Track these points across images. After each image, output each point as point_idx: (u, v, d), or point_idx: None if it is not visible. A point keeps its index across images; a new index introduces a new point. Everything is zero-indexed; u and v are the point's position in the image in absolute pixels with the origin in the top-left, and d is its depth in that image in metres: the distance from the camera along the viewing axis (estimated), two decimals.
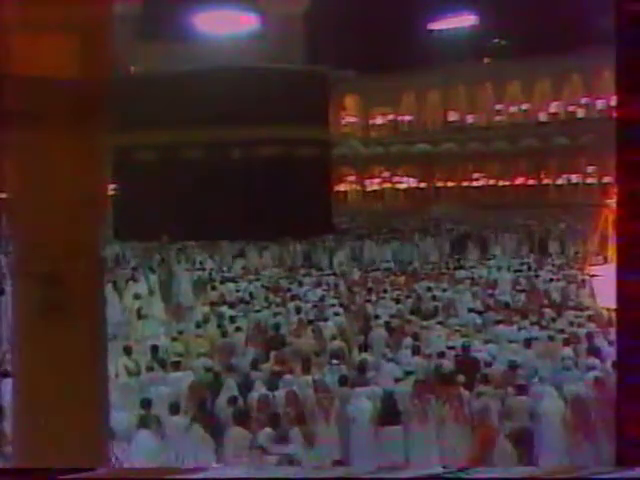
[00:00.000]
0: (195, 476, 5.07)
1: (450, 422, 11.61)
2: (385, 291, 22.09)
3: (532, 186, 64.39)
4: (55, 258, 4.57)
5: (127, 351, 14.60)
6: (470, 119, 68.62)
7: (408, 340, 15.62)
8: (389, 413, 11.68)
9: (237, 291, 22.82)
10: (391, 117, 71.43)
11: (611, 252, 16.25)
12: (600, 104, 59.98)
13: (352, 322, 18.02)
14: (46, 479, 4.64)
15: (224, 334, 16.73)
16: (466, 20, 67.28)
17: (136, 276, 25.10)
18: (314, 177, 43.32)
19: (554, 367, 13.64)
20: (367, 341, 16.12)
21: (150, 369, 13.88)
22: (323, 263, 32.35)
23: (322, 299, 20.82)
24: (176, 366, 13.91)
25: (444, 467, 5.94)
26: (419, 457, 11.33)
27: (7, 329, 4.98)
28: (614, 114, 5.27)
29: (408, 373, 13.04)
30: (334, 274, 26.68)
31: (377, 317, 18.11)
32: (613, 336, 12.12)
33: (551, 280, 23.67)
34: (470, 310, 19.09)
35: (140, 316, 19.47)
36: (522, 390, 12.10)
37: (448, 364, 13.74)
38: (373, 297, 21.12)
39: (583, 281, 21.50)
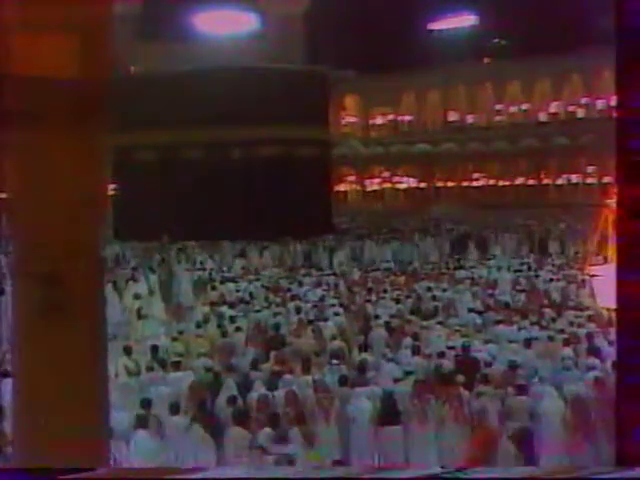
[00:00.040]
0: (195, 476, 5.08)
1: (450, 422, 11.61)
2: (385, 291, 22.08)
3: (532, 186, 64.38)
4: (55, 258, 4.58)
5: (127, 351, 14.60)
6: (470, 119, 68.61)
7: (408, 340, 15.62)
8: (389, 413, 11.68)
9: (237, 291, 22.82)
10: (391, 117, 71.42)
11: (611, 252, 16.24)
12: (600, 104, 59.97)
13: (352, 322, 18.01)
14: (46, 479, 4.64)
15: (224, 334, 16.73)
16: (466, 20, 67.27)
17: (136, 276, 25.10)
18: (314, 177, 43.31)
19: (554, 367, 13.64)
20: (367, 341, 16.11)
21: (150, 369, 13.88)
22: (323, 263, 32.35)
23: (322, 299, 20.82)
24: (176, 366, 13.91)
25: (442, 467, 5.94)
26: (419, 457, 11.33)
27: (7, 329, 4.98)
28: (614, 114, 5.26)
29: (408, 373, 13.04)
30: (334, 274, 26.68)
31: (377, 317, 18.11)
32: (613, 336, 12.12)
33: (551, 280, 23.67)
34: (470, 310, 19.08)
35: (140, 316, 19.47)
36: (522, 390, 12.10)
37: (448, 364, 13.74)
38: (373, 297, 21.11)
39: (583, 281, 21.50)
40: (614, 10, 4.99)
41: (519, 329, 16.63)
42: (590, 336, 15.18)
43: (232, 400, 11.76)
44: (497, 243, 36.23)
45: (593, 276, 18.13)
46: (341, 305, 19.93)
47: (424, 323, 17.55)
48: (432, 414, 11.73)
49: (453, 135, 67.47)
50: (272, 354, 14.78)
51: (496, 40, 68.63)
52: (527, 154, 63.47)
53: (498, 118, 67.15)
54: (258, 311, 19.25)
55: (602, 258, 18.18)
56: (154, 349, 15.01)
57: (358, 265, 30.86)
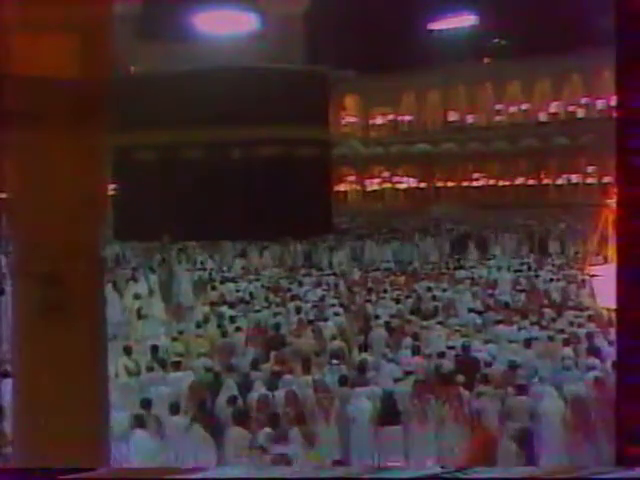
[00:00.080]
0: (195, 476, 5.08)
1: (450, 422, 11.61)
2: (385, 291, 22.09)
3: (532, 186, 64.36)
4: (55, 258, 4.58)
5: (127, 351, 14.60)
6: (470, 119, 68.59)
7: (408, 340, 15.62)
8: (389, 413, 11.68)
9: (237, 291, 22.83)
10: (391, 117, 71.39)
11: (611, 252, 16.24)
12: (600, 104, 59.96)
13: (352, 322, 18.02)
14: (46, 479, 4.64)
15: (224, 334, 16.73)
16: (466, 20, 67.26)
17: (136, 276, 25.11)
18: (314, 177, 43.30)
19: (554, 367, 13.64)
20: (367, 341, 16.12)
21: (150, 369, 13.88)
22: (323, 263, 32.35)
23: (322, 299, 20.82)
24: (176, 366, 13.91)
25: (442, 467, 5.94)
26: (419, 457, 11.33)
27: (7, 329, 4.97)
28: (614, 114, 5.26)
29: (408, 373, 13.04)
30: (334, 274, 26.68)
31: (377, 317, 18.11)
32: (613, 336, 12.12)
33: (551, 280, 23.67)
34: (470, 310, 19.08)
35: (140, 316, 19.47)
36: (522, 390, 12.10)
37: (448, 364, 13.73)
38: (373, 297, 21.12)
39: (583, 281, 21.50)
40: (614, 10, 4.99)
41: (519, 329, 16.64)
42: (590, 336, 15.18)
43: (232, 400, 11.76)
44: (497, 243, 36.23)
45: (593, 276, 18.13)
46: (341, 305, 19.93)
47: (424, 323, 17.55)
48: (432, 414, 11.73)
49: (453, 135, 67.44)
50: (272, 354, 14.78)
51: (496, 40, 68.60)
52: (527, 154, 63.45)
53: (498, 118, 67.13)
54: (258, 311, 19.26)
55: (602, 258, 18.18)
56: (154, 349, 15.01)
57: (358, 265, 30.87)
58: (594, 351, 14.05)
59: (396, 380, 12.75)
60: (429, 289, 21.98)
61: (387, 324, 17.23)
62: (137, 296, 21.62)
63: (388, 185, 71.40)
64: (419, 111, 70.15)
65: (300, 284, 23.67)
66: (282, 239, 35.56)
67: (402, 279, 24.76)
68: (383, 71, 64.06)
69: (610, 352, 12.88)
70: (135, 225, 38.72)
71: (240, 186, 40.97)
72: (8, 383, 5.93)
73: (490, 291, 22.18)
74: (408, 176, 70.68)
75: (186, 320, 19.09)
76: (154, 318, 19.96)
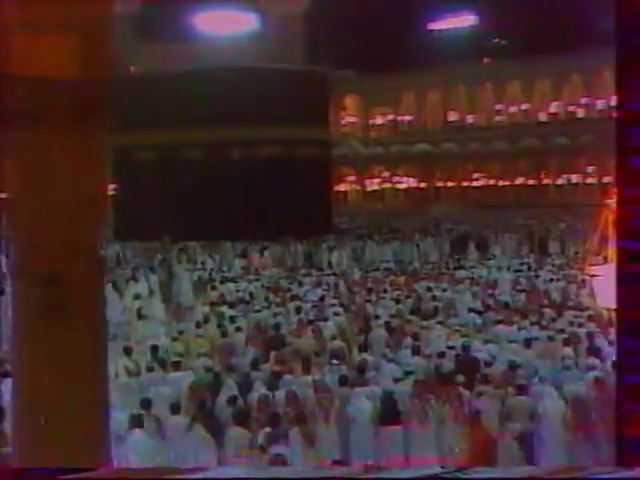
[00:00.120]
0: (195, 476, 5.07)
1: (450, 422, 11.61)
2: (385, 291, 22.08)
3: (532, 186, 64.36)
4: (55, 258, 4.58)
5: (127, 351, 14.59)
6: (470, 119, 68.59)
7: (408, 340, 15.61)
8: (389, 413, 11.68)
9: (237, 291, 22.83)
10: (391, 117, 71.40)
11: (611, 252, 16.24)
12: (600, 104, 59.97)
13: (352, 322, 18.01)
14: (46, 479, 4.64)
15: (224, 334, 16.73)
16: (466, 20, 67.26)
17: (136, 276, 25.11)
18: (314, 177, 43.31)
19: (554, 367, 13.63)
20: (367, 341, 16.11)
21: (150, 369, 13.87)
22: (323, 263, 32.36)
23: (322, 299, 20.81)
24: (176, 366, 13.90)
25: (442, 467, 5.94)
26: (419, 457, 11.33)
27: (7, 329, 4.97)
28: (614, 114, 5.26)
29: (408, 373, 13.03)
30: (334, 274, 26.68)
31: (377, 317, 18.10)
32: (613, 336, 12.11)
33: (551, 280, 23.67)
34: (470, 310, 19.07)
35: (140, 316, 19.46)
36: (522, 390, 12.09)
37: (448, 364, 13.73)
38: (373, 297, 21.11)
39: (583, 281, 21.50)
40: (614, 10, 4.99)
41: (519, 329, 16.63)
42: (590, 336, 15.18)
43: (232, 400, 11.76)
44: (497, 243, 36.23)
45: (593, 276, 18.12)
46: (341, 305, 19.93)
47: (424, 323, 17.53)
48: (432, 414, 11.72)
49: (453, 135, 67.45)
50: (272, 354, 14.78)
51: (496, 40, 68.61)
52: (527, 154, 63.45)
53: (498, 118, 67.14)
54: (258, 311, 19.25)
55: (602, 258, 18.17)
56: (154, 349, 15.00)
57: (358, 265, 30.87)
58: (594, 351, 14.05)
59: (396, 380, 12.75)
60: (429, 289, 21.98)
61: (387, 324, 17.22)
62: (137, 296, 21.62)
63: (388, 185, 71.40)
64: (419, 111, 70.15)
65: (300, 284, 23.67)
66: (282, 239, 35.55)
67: (402, 279, 24.75)
68: (383, 71, 64.05)
69: (610, 352, 12.89)
70: (135, 225, 38.71)
71: (240, 186, 40.98)
72: (8, 383, 5.93)
73: (490, 291, 22.17)
74: (408, 176, 70.68)
75: (186, 320, 19.09)
76: (154, 318, 19.96)
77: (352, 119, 72.52)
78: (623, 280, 5.08)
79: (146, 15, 53.14)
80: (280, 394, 12.07)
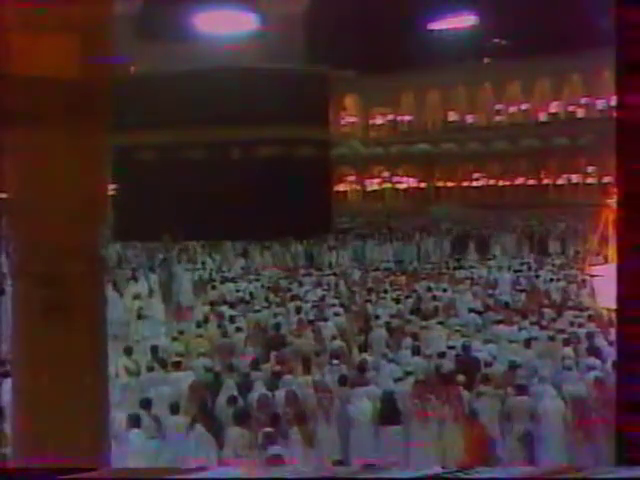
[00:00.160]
0: (195, 476, 5.07)
1: (450, 422, 11.61)
2: (385, 291, 22.09)
3: (532, 186, 64.35)
4: (55, 258, 4.58)
5: (127, 351, 14.60)
6: (470, 119, 68.58)
7: (408, 340, 15.62)
8: (389, 413, 11.68)
9: (237, 291, 22.83)
10: (391, 117, 71.39)
11: (611, 252, 16.24)
12: (600, 104, 59.96)
13: (352, 322, 18.01)
14: (46, 479, 4.64)
15: (224, 334, 16.73)
16: (466, 20, 67.26)
17: (136, 276, 25.12)
18: (314, 177, 43.30)
19: (554, 367, 13.64)
20: (367, 341, 16.11)
21: (150, 369, 13.87)
22: (323, 263, 32.36)
23: (322, 299, 20.82)
24: (176, 366, 13.91)
25: (442, 467, 5.94)
26: (419, 457, 11.33)
27: (7, 329, 4.97)
28: (614, 114, 5.26)
29: (408, 373, 13.03)
30: (334, 274, 26.68)
31: (377, 317, 18.11)
32: (613, 336, 12.11)
33: (551, 280, 23.68)
34: (470, 310, 19.07)
35: (140, 316, 19.47)
36: (522, 390, 12.09)
37: (448, 364, 13.73)
38: (373, 297, 21.12)
39: (583, 281, 21.50)
40: (614, 10, 4.99)
41: (519, 329, 16.63)
42: (590, 336, 15.18)
43: (232, 400, 11.76)
44: (497, 243, 36.24)
45: (593, 276, 18.13)
46: (341, 305, 19.93)
47: (424, 323, 17.54)
48: (432, 414, 11.72)
49: (453, 135, 67.43)
50: (272, 354, 14.78)
51: (496, 40, 68.60)
52: (527, 154, 63.44)
53: (498, 118, 67.13)
54: (258, 311, 19.25)
55: (602, 258, 18.18)
56: (154, 349, 15.01)
57: (358, 265, 30.87)
58: (594, 351, 14.05)
59: (396, 380, 12.75)
60: (429, 289, 21.98)
61: (387, 324, 17.23)
62: (137, 296, 21.63)
63: (388, 185, 71.38)
64: (419, 111, 70.13)
65: (300, 284, 23.68)
66: (282, 239, 35.56)
67: (402, 279, 24.76)
68: (383, 71, 64.04)
69: (610, 352, 12.89)
70: (135, 225, 38.70)
71: (240, 186, 40.95)
72: (8, 383, 5.93)
73: (490, 291, 22.18)
74: (408, 176, 70.65)
75: (186, 320, 19.09)
76: (154, 318, 19.97)
77: (352, 119, 72.51)
78: (623, 280, 5.07)
79: (146, 15, 53.15)
80: (280, 394, 12.07)
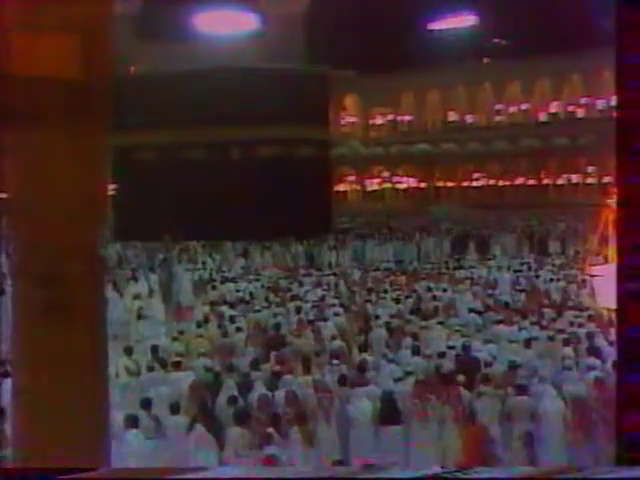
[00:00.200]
0: (195, 476, 5.07)
1: (450, 422, 11.61)
2: (385, 291, 22.09)
3: (532, 186, 64.35)
4: (55, 258, 4.57)
5: (127, 351, 14.60)
6: (470, 119, 68.58)
7: (408, 340, 15.62)
8: (389, 413, 11.69)
9: (237, 291, 22.83)
10: (391, 117, 71.39)
11: (611, 252, 16.24)
12: (600, 104, 59.96)
13: (352, 322, 18.02)
14: (46, 479, 4.64)
15: (224, 334, 16.73)
16: (466, 20, 67.25)
17: (136, 276, 25.12)
18: (314, 177, 43.31)
19: (554, 367, 13.64)
20: (367, 341, 16.12)
21: (150, 369, 13.88)
22: (323, 263, 32.37)
23: (322, 299, 20.82)
24: (176, 366, 13.91)
25: (442, 467, 5.94)
26: (419, 457, 11.33)
27: (7, 329, 4.97)
28: (614, 114, 5.26)
29: (408, 373, 13.04)
30: (334, 274, 26.69)
31: (377, 317, 18.11)
32: (613, 336, 12.12)
33: (551, 280, 23.68)
34: (470, 310, 19.08)
35: (140, 316, 19.47)
36: (522, 390, 12.09)
37: (448, 364, 13.73)
38: (373, 297, 21.12)
39: (583, 281, 21.51)
40: (614, 10, 4.99)
41: (519, 329, 16.63)
42: (590, 336, 15.18)
43: (232, 400, 11.76)
44: (497, 243, 36.24)
45: (593, 276, 18.13)
46: (341, 305, 19.93)
47: (424, 323, 17.54)
48: (432, 414, 11.72)
49: (453, 135, 67.42)
50: (272, 354, 14.78)
51: (496, 40, 68.58)
52: (527, 154, 63.44)
53: (498, 118, 67.12)
54: (258, 311, 19.26)
55: (602, 258, 18.18)
56: (154, 349, 15.01)
57: (358, 265, 30.88)
58: (594, 351, 14.05)
59: (396, 380, 12.75)
60: (429, 289, 21.99)
61: (387, 324, 17.23)
62: (137, 296, 21.63)
63: (388, 185, 71.38)
64: (419, 111, 70.12)
65: (300, 284, 23.68)
66: (282, 239, 35.56)
67: (402, 279, 24.77)
68: (383, 71, 64.03)
69: (610, 352, 12.89)
70: (135, 225, 38.71)
71: (240, 186, 40.95)
72: (8, 383, 5.93)
73: (490, 291, 22.18)
74: (408, 176, 70.64)
75: (186, 320, 19.09)
76: (154, 318, 19.97)
77: (352, 119, 72.50)
78: (623, 280, 5.07)
79: (146, 15, 53.15)
80: (280, 394, 12.07)
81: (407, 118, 70.80)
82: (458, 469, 5.44)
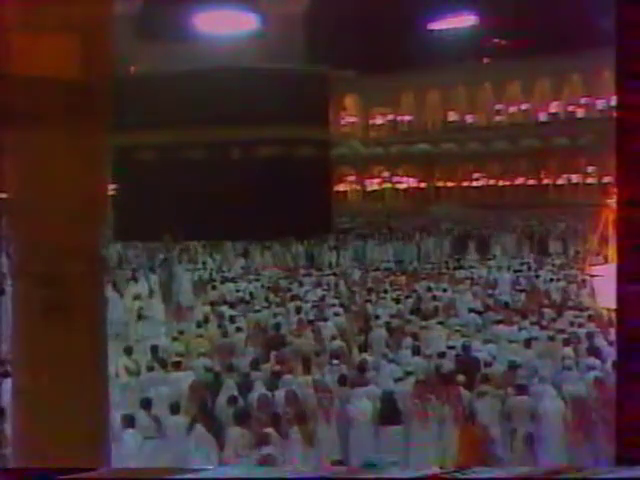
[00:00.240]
0: (195, 476, 5.07)
1: (450, 422, 11.61)
2: (385, 291, 22.09)
3: (532, 186, 64.37)
4: (55, 258, 4.57)
5: (127, 351, 14.60)
6: (470, 119, 68.59)
7: (408, 340, 15.62)
8: (389, 413, 11.69)
9: (237, 291, 22.83)
10: (391, 117, 71.40)
11: (611, 252, 16.24)
12: (600, 104, 59.97)
13: (352, 322, 18.02)
14: (46, 479, 4.64)
15: (224, 334, 16.73)
16: (466, 20, 67.26)
17: (136, 276, 25.12)
18: (314, 177, 43.32)
19: (554, 367, 13.64)
20: (367, 341, 16.12)
21: (150, 369, 13.88)
22: (324, 263, 32.37)
23: (322, 299, 20.82)
24: (176, 366, 13.91)
25: (442, 467, 5.94)
26: (419, 457, 11.33)
27: (7, 329, 4.97)
28: (614, 114, 5.26)
29: (408, 373, 13.03)
30: (334, 274, 26.69)
31: (377, 317, 18.11)
32: (613, 336, 12.11)
33: (551, 280, 23.68)
34: (470, 310, 19.08)
35: (140, 316, 19.47)
36: (522, 390, 12.09)
37: (448, 364, 13.73)
38: (373, 297, 21.12)
39: (583, 281, 21.51)
40: (614, 10, 4.99)
41: (519, 329, 16.63)
42: (590, 336, 15.18)
43: (232, 400, 11.76)
44: (497, 243, 36.25)
45: (593, 276, 18.13)
46: (341, 305, 19.93)
47: (424, 323, 17.54)
48: (432, 414, 11.72)
49: (453, 135, 67.44)
50: (272, 354, 14.78)
51: (496, 40, 68.59)
52: (527, 154, 63.45)
53: (498, 118, 67.14)
54: (258, 311, 19.26)
55: (602, 258, 18.18)
56: (154, 349, 15.01)
57: (358, 265, 30.88)
58: (594, 351, 14.05)
59: (396, 380, 12.75)
60: (429, 289, 21.99)
61: (387, 324, 17.23)
62: (137, 296, 21.63)
63: (388, 185, 71.39)
64: (419, 111, 70.13)
65: (300, 284, 23.68)
66: (282, 239, 35.57)
67: (402, 279, 24.77)
68: (383, 71, 64.04)
69: (610, 352, 12.89)
70: (135, 225, 38.71)
71: (240, 186, 40.96)
72: (8, 383, 5.93)
73: (490, 291, 22.19)
74: (408, 176, 70.66)
75: (186, 320, 19.09)
76: (154, 318, 19.97)
77: (352, 119, 72.51)
78: (623, 280, 5.07)
79: (146, 15, 53.15)
80: (280, 394, 12.07)
81: (407, 118, 70.81)
82: (458, 469, 5.43)
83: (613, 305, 5.23)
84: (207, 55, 48.06)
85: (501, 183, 66.21)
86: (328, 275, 26.27)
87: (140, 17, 53.38)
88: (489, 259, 31.03)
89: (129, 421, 10.65)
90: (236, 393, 12.19)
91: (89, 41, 4.56)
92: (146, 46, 52.33)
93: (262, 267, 30.45)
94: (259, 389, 12.41)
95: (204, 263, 30.55)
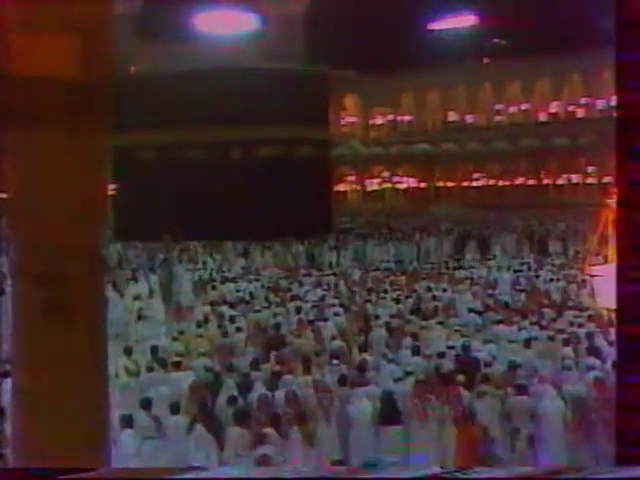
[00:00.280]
0: (195, 476, 5.07)
1: (450, 422, 11.61)
2: (385, 291, 22.09)
3: (532, 186, 64.37)
4: (55, 258, 4.57)
5: (127, 351, 14.60)
6: (470, 119, 68.59)
7: (408, 340, 15.62)
8: (389, 413, 11.68)
9: (237, 291, 22.83)
10: (391, 117, 71.40)
11: (611, 252, 16.24)
12: (600, 104, 59.97)
13: (352, 322, 18.02)
14: (46, 479, 4.64)
15: (224, 334, 16.73)
16: (466, 20, 67.26)
17: (136, 276, 25.12)
18: (314, 177, 43.32)
19: (554, 367, 13.64)
20: (367, 341, 16.12)
21: (150, 369, 13.88)
22: (324, 263, 32.38)
23: (322, 299, 20.82)
24: (176, 366, 13.91)
25: (442, 467, 5.93)
26: (419, 457, 11.33)
27: (7, 329, 4.97)
28: (614, 114, 5.26)
29: (408, 373, 13.03)
30: (334, 274, 26.69)
31: (377, 317, 18.11)
32: (613, 336, 12.11)
33: (551, 280, 23.68)
34: (470, 310, 19.08)
35: (140, 316, 19.47)
36: (522, 390, 12.09)
37: (448, 364, 13.73)
38: (373, 297, 21.12)
39: (583, 281, 21.51)
40: (614, 10, 4.99)
41: (519, 329, 16.63)
42: (590, 336, 15.18)
43: (232, 400, 11.76)
44: (497, 243, 36.25)
45: (593, 276, 18.13)
46: (341, 305, 19.93)
47: (424, 323, 17.54)
48: (432, 414, 11.72)
49: (453, 135, 67.43)
50: (272, 354, 14.78)
51: (496, 40, 68.57)
52: (527, 154, 63.45)
53: (498, 118, 67.14)
54: (258, 311, 19.26)
55: (602, 258, 18.18)
56: (154, 349, 15.01)
57: (358, 265, 30.89)
58: (594, 351, 14.05)
59: (396, 380, 12.75)
60: (429, 289, 21.99)
61: (387, 324, 17.23)
62: (137, 296, 21.63)
63: (388, 185, 71.39)
64: (419, 111, 70.13)
65: (300, 284, 23.68)
66: (283, 239, 35.57)
67: (402, 279, 24.77)
68: (383, 71, 64.03)
69: (610, 352, 12.89)
70: (135, 225, 38.71)
71: (240, 186, 40.96)
72: (8, 383, 5.93)
73: (490, 291, 22.19)
74: (408, 176, 70.66)
75: (186, 320, 19.09)
76: (154, 318, 19.97)
77: (352, 119, 72.51)
78: (623, 280, 5.07)
79: (146, 15, 53.13)
80: (280, 394, 12.07)
81: (407, 118, 70.81)
82: (458, 469, 5.43)
83: (613, 305, 5.23)
84: (207, 55, 48.05)
85: (501, 183, 66.21)
86: (328, 275, 26.27)
87: (140, 17, 53.36)
88: (489, 259, 31.03)
89: (129, 421, 10.64)
90: (236, 393, 12.18)
91: (89, 41, 4.56)
92: (146, 46, 52.31)
93: (262, 267, 30.45)
94: (259, 389, 12.41)
95: (204, 263, 30.55)
